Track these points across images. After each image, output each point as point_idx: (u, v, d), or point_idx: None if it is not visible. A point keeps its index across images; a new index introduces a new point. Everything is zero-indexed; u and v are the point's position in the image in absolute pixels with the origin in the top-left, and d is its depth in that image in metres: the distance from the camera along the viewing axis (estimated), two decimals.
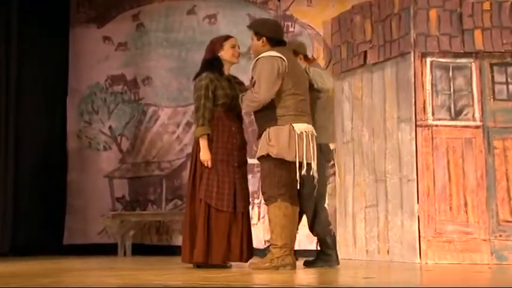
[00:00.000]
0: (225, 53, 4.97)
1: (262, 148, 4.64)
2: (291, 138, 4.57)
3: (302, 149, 4.56)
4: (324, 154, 5.05)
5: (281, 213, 4.60)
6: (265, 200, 4.71)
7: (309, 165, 4.60)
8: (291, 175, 4.62)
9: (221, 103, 4.86)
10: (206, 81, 4.83)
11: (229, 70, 5.01)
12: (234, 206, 4.81)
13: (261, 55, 4.68)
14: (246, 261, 4.86)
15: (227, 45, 4.99)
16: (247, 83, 5.09)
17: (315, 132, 4.70)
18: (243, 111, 4.94)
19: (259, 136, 4.71)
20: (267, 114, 4.63)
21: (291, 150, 4.56)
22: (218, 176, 4.80)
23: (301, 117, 4.66)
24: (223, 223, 4.78)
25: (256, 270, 4.58)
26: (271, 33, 4.79)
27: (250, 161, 5.16)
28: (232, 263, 4.98)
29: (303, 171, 4.57)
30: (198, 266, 4.82)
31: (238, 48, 5.05)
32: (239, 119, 5.02)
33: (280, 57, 4.65)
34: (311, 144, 4.63)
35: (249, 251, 4.90)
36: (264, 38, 4.76)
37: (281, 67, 4.62)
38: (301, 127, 4.62)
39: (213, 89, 4.83)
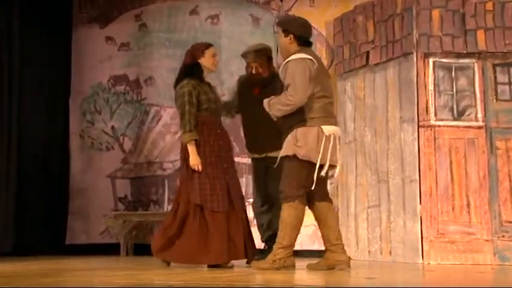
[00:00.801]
0: (206, 61, 5.06)
1: (288, 148, 4.60)
2: (319, 140, 4.55)
3: (327, 151, 4.54)
4: None
5: (295, 214, 4.58)
6: (281, 199, 4.63)
7: (331, 167, 4.60)
8: (310, 177, 4.58)
9: (205, 108, 4.96)
10: (189, 88, 4.92)
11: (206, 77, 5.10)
12: (230, 206, 4.88)
13: (291, 58, 4.63)
14: (251, 258, 4.92)
15: (208, 53, 5.08)
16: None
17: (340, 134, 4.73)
18: (272, 116, 4.76)
19: (284, 138, 4.66)
20: (294, 115, 4.58)
21: (318, 152, 4.53)
22: (209, 179, 4.88)
23: (329, 119, 4.65)
24: (222, 223, 4.83)
25: (258, 270, 4.57)
26: (300, 32, 4.73)
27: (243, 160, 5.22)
28: (234, 263, 4.99)
29: (322, 173, 4.55)
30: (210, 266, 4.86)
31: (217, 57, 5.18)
32: (221, 122, 5.14)
33: (311, 60, 4.62)
34: (337, 147, 4.62)
35: (252, 248, 4.97)
36: (292, 36, 4.70)
37: (312, 69, 4.59)
38: (329, 129, 4.60)
39: (197, 95, 4.93)
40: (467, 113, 5.84)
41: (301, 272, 4.65)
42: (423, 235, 5.69)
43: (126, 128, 7.52)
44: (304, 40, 4.74)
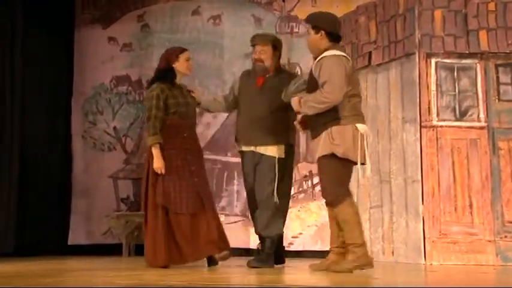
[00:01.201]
0: (180, 65, 5.11)
1: (324, 147, 4.50)
2: (355, 138, 4.49)
3: (364, 149, 4.50)
4: (292, 155, 5.20)
5: (353, 210, 4.49)
6: (330, 201, 4.52)
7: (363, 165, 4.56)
8: (349, 175, 4.56)
9: (173, 111, 5.01)
10: (157, 91, 4.98)
11: (181, 80, 5.16)
12: (201, 207, 4.94)
13: (325, 54, 4.53)
14: (224, 251, 4.99)
15: (182, 57, 5.14)
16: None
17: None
18: (303, 113, 4.65)
19: (315, 136, 4.60)
20: (327, 113, 4.49)
21: (355, 150, 4.48)
22: (175, 181, 4.93)
23: (361, 118, 4.61)
24: (185, 225, 4.90)
25: (341, 272, 4.40)
26: (331, 27, 4.64)
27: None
28: (238, 263, 5.00)
29: (368, 172, 4.56)
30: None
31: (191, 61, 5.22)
32: (192, 125, 5.17)
33: (346, 57, 4.56)
34: (367, 146, 4.56)
35: (224, 242, 5.02)
36: (323, 32, 4.61)
37: (347, 67, 4.52)
38: (363, 127, 4.55)
39: (164, 99, 4.99)
40: (469, 113, 5.84)
41: (304, 272, 4.65)
42: (425, 235, 5.68)
43: (128, 128, 7.52)
44: (335, 36, 4.65)
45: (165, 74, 5.08)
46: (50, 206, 7.15)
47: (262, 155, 5.07)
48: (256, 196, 5.10)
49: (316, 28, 4.64)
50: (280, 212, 5.11)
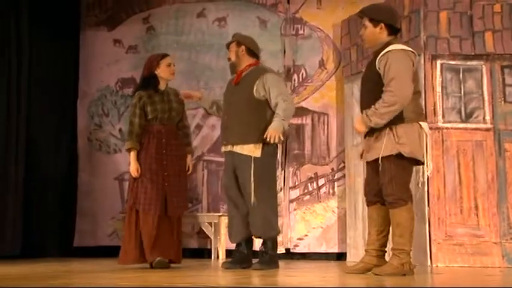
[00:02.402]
0: (162, 71, 5.33)
1: (389, 147, 4.34)
2: (421, 138, 4.39)
3: (428, 149, 4.41)
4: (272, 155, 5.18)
5: (410, 216, 4.38)
6: (391, 203, 4.38)
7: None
8: (411, 175, 4.44)
9: (151, 117, 5.24)
10: (135, 100, 5.27)
11: (166, 85, 5.38)
12: (164, 211, 5.15)
13: (391, 48, 4.36)
14: (176, 262, 5.23)
15: (163, 63, 5.34)
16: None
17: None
18: (375, 126, 4.39)
19: (371, 135, 4.45)
20: None
21: (421, 149, 4.38)
22: (146, 185, 5.16)
23: (423, 116, 4.53)
24: (152, 226, 5.09)
25: (383, 275, 4.32)
26: (390, 19, 4.47)
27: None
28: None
29: (428, 172, 4.45)
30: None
31: (174, 65, 5.40)
32: (175, 131, 5.35)
33: (413, 52, 4.41)
34: (428, 145, 4.45)
35: (179, 252, 5.28)
36: (383, 25, 4.45)
37: (414, 62, 4.37)
38: (427, 126, 4.46)
39: (142, 106, 5.23)
40: (475, 115, 5.83)
41: (306, 272, 4.65)
42: (431, 237, 5.67)
43: None
44: (394, 29, 4.48)
45: (147, 81, 5.31)
46: (55, 208, 7.16)
47: (240, 154, 5.06)
48: (246, 200, 5.06)
49: (374, 21, 4.49)
50: (272, 212, 5.07)
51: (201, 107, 6.52)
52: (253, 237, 5.18)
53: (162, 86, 5.34)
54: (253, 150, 5.03)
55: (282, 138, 5.04)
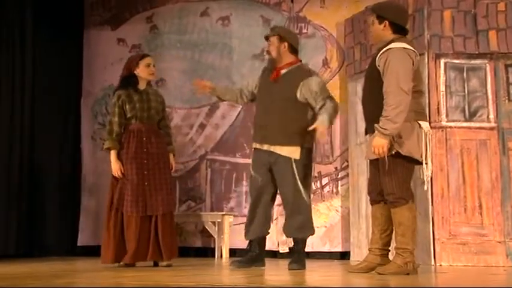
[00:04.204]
0: (141, 71, 5.38)
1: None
2: (419, 136, 4.39)
3: (427, 148, 4.39)
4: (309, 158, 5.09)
5: (412, 215, 4.38)
6: (392, 202, 4.38)
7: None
8: (412, 174, 4.44)
9: (130, 116, 5.27)
10: (114, 99, 5.32)
11: (146, 84, 5.42)
12: (144, 211, 5.16)
13: (392, 46, 4.36)
14: (168, 259, 5.19)
15: (142, 64, 5.39)
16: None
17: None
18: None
19: (371, 132, 4.43)
20: None
21: (419, 148, 4.37)
22: (127, 185, 5.19)
23: (424, 115, 4.52)
24: (134, 227, 5.13)
25: (387, 274, 4.32)
26: (395, 18, 4.46)
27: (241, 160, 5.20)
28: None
29: (428, 172, 4.42)
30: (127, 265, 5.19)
31: (153, 66, 5.43)
32: (156, 129, 5.37)
33: (414, 51, 4.40)
34: (429, 145, 4.44)
35: (170, 250, 5.22)
36: (387, 22, 4.45)
37: (415, 62, 4.37)
38: (426, 125, 4.45)
39: (121, 105, 5.28)
40: (479, 114, 5.82)
41: (310, 272, 4.65)
42: (435, 236, 5.67)
43: None
44: (399, 27, 4.48)
45: (127, 80, 5.36)
46: (59, 207, 7.17)
47: (279, 155, 4.94)
48: (283, 199, 5.01)
49: (380, 18, 4.49)
50: (311, 212, 5.06)
51: (207, 105, 6.49)
52: (266, 236, 5.14)
53: (141, 86, 5.38)
54: (293, 152, 4.91)
55: (326, 135, 4.95)
